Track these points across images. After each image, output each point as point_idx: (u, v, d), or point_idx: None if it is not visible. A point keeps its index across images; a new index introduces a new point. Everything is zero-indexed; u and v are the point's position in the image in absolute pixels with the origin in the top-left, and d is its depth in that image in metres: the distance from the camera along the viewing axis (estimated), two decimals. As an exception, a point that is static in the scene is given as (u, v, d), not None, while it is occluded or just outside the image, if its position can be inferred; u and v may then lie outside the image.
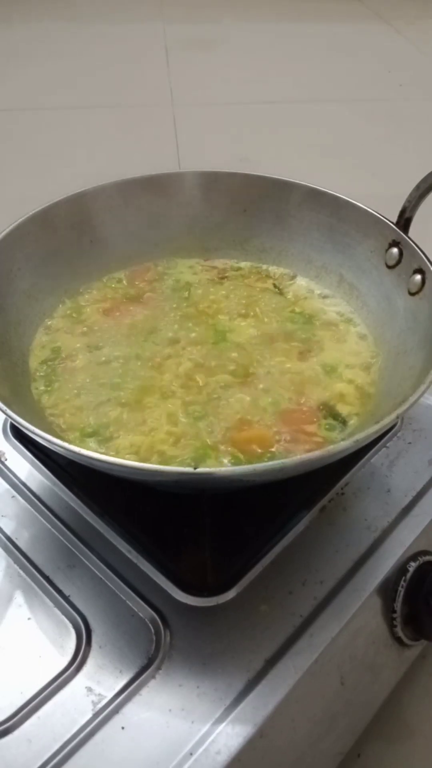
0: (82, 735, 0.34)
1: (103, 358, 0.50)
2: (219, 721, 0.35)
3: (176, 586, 0.39)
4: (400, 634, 0.44)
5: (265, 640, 0.38)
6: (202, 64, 1.67)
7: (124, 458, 0.41)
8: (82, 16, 1.96)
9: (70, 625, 0.39)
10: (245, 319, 0.54)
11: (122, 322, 0.53)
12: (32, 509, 0.45)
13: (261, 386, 0.48)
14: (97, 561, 0.42)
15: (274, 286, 0.57)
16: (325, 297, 0.56)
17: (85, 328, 0.53)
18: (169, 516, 0.44)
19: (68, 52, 1.71)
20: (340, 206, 0.54)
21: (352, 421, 0.45)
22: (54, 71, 1.58)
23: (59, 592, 0.40)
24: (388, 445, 0.51)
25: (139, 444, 0.43)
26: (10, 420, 0.43)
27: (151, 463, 0.42)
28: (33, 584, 0.41)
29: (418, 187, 0.49)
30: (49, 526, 0.44)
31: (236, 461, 0.42)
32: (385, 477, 0.48)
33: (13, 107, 1.42)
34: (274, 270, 0.59)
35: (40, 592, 0.40)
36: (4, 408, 0.37)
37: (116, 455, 0.42)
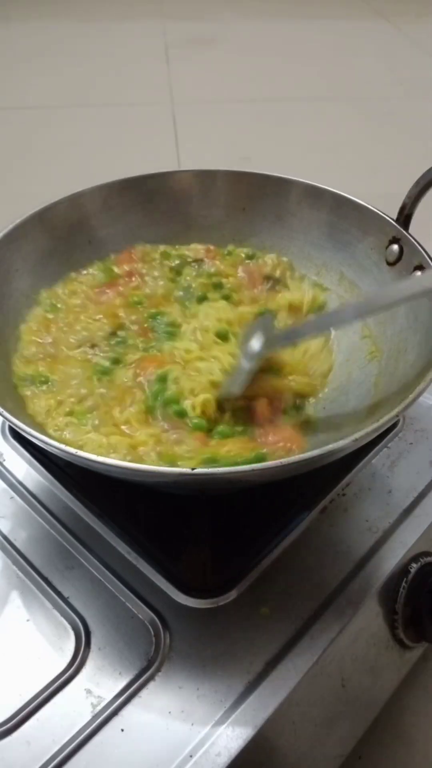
0: (81, 737, 0.34)
1: (100, 357, 0.50)
2: (219, 723, 0.35)
3: (176, 588, 0.39)
4: (402, 635, 0.43)
5: (265, 642, 0.38)
6: (202, 62, 1.66)
7: (122, 458, 0.41)
8: (81, 14, 1.96)
9: (68, 627, 0.39)
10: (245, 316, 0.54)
11: (110, 304, 0.53)
12: (30, 510, 0.45)
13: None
14: (96, 562, 0.41)
15: (276, 285, 0.57)
16: (325, 295, 0.56)
17: (68, 323, 0.52)
18: (168, 517, 0.43)
19: (67, 50, 1.70)
20: (340, 203, 0.54)
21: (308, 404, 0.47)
22: (53, 69, 1.58)
23: (58, 593, 0.40)
24: (389, 445, 0.50)
25: (115, 442, 0.43)
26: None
27: (141, 456, 0.41)
28: (31, 585, 0.41)
29: (417, 183, 0.49)
30: (48, 527, 0.44)
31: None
32: (387, 478, 0.48)
33: (11, 106, 1.42)
34: (272, 258, 0.58)
35: (39, 594, 0.40)
36: (2, 410, 0.36)
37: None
